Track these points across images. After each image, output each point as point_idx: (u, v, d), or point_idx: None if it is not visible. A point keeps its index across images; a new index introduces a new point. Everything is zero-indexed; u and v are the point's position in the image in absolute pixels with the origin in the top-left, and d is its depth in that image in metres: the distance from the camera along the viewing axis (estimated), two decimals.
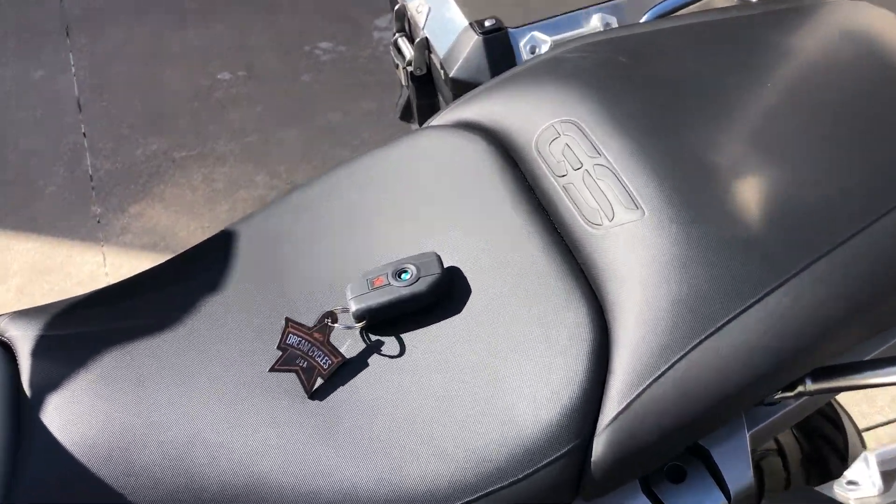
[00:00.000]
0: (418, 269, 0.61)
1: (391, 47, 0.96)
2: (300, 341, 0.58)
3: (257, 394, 0.57)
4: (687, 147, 0.62)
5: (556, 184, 0.64)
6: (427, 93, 0.94)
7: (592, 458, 0.54)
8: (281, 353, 0.58)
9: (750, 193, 0.60)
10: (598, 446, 0.54)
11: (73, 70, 2.06)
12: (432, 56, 0.89)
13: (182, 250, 1.70)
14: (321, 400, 0.58)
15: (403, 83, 0.96)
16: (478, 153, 0.67)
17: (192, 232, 1.73)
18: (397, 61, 0.96)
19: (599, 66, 0.69)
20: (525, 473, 0.54)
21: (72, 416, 0.55)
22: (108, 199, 1.80)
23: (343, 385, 0.59)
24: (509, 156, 0.67)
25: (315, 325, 0.59)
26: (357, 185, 0.69)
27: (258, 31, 2.15)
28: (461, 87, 0.84)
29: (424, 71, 0.92)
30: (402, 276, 0.61)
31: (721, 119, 0.64)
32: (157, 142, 1.89)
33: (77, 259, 1.70)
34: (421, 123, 0.98)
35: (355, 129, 1.91)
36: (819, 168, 0.61)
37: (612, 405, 0.55)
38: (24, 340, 0.59)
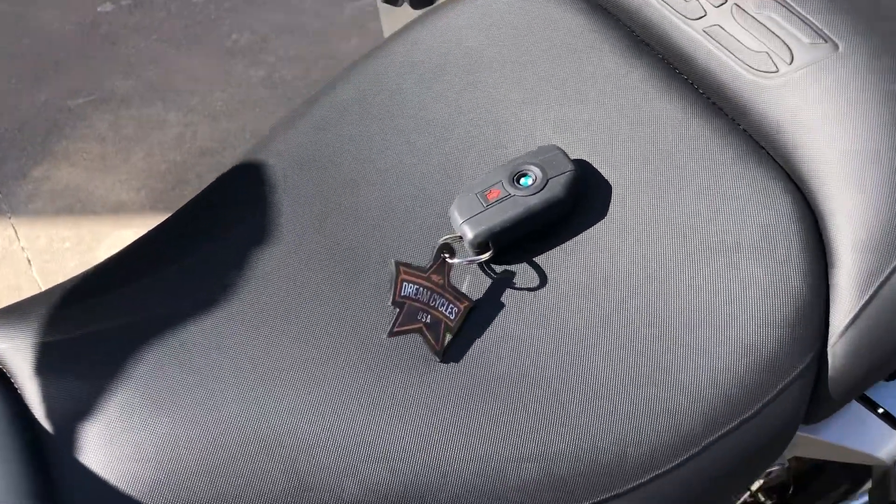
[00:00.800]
0: (543, 170, 0.46)
1: None
2: (418, 290, 0.43)
3: (382, 365, 0.42)
4: None
5: (692, 31, 0.49)
6: None
7: (830, 373, 0.42)
8: (398, 311, 0.42)
9: None
10: (836, 357, 0.42)
11: None
12: None
13: (102, 210, 1.44)
14: (457, 361, 0.43)
15: None
16: (565, 11, 0.51)
17: (111, 187, 1.52)
18: None
19: None
20: (756, 409, 0.41)
21: (100, 439, 0.39)
22: (2, 165, 1.55)
23: (477, 338, 0.44)
24: (608, 11, 0.52)
25: (431, 266, 0.44)
26: (418, 63, 0.52)
27: None
28: None
29: None
30: (523, 180, 0.46)
31: None
32: (47, 91, 1.64)
33: None
34: (413, 3, 0.80)
35: (267, 46, 1.71)
36: None
37: (845, 304, 0.42)
38: (14, 352, 0.41)
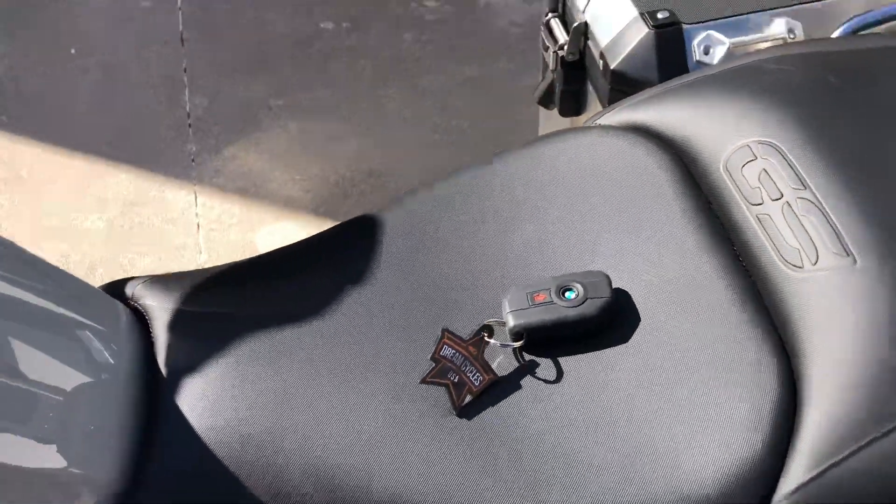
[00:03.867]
0: (585, 290, 0.56)
1: (542, 28, 0.90)
2: (454, 354, 0.54)
3: (404, 402, 0.54)
4: None
5: (747, 212, 0.58)
6: (575, 79, 0.88)
7: None
8: (434, 365, 0.54)
9: None
10: None
11: (179, 3, 2.04)
12: (589, 43, 0.83)
13: (272, 200, 1.66)
14: (468, 419, 0.54)
15: (550, 67, 0.90)
16: (654, 163, 0.61)
17: (284, 182, 1.71)
18: (547, 43, 0.90)
19: (806, 83, 0.62)
20: None
21: (208, 403, 0.52)
22: (204, 138, 1.78)
23: (493, 406, 0.54)
24: (690, 171, 0.61)
25: (471, 339, 0.55)
26: (513, 181, 0.64)
27: None
28: (621, 81, 0.78)
29: (577, 57, 0.86)
30: (567, 294, 0.56)
31: None
32: (257, 86, 1.86)
33: (169, 196, 1.69)
34: (562, 110, 0.92)
35: (455, 94, 1.86)
36: None
37: (797, 471, 0.49)
38: (159, 311, 0.56)
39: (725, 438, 0.50)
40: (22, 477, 0.46)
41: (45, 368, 0.49)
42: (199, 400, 0.52)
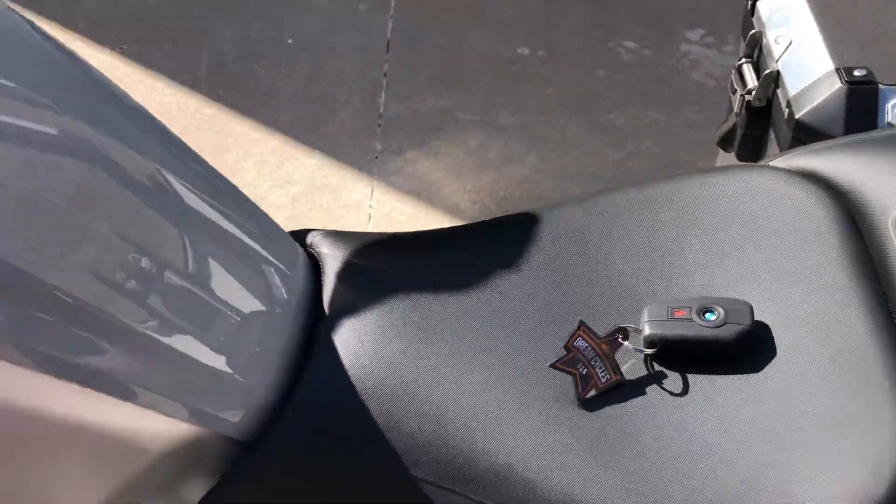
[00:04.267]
0: (726, 314, 0.57)
1: (733, 71, 0.92)
2: (586, 347, 0.57)
3: (532, 383, 0.57)
4: None
5: None
6: (758, 125, 0.88)
7: None
8: (565, 353, 0.57)
9: None
10: None
11: (392, 12, 2.17)
12: (778, 91, 0.84)
13: (440, 205, 1.74)
14: (589, 411, 0.56)
15: (735, 110, 0.91)
16: (821, 209, 0.62)
17: (454, 192, 1.78)
18: (736, 86, 0.91)
19: None
20: None
21: (361, 347, 0.58)
22: (390, 139, 1.88)
23: (614, 404, 0.57)
24: (856, 223, 0.61)
25: (605, 337, 0.58)
26: (675, 205, 0.66)
27: (569, 14, 2.15)
28: (804, 131, 0.78)
29: (763, 103, 0.86)
30: (708, 315, 0.58)
31: None
32: (448, 99, 1.95)
33: (349, 185, 1.80)
34: (739, 154, 0.92)
35: (636, 135, 1.87)
36: None
37: None
38: (332, 259, 0.62)
39: (843, 485, 0.50)
40: (196, 371, 0.53)
41: (229, 290, 0.56)
42: (352, 343, 0.58)
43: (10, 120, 0.45)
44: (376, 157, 1.83)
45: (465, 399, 0.55)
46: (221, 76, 2.01)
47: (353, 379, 0.55)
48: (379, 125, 1.89)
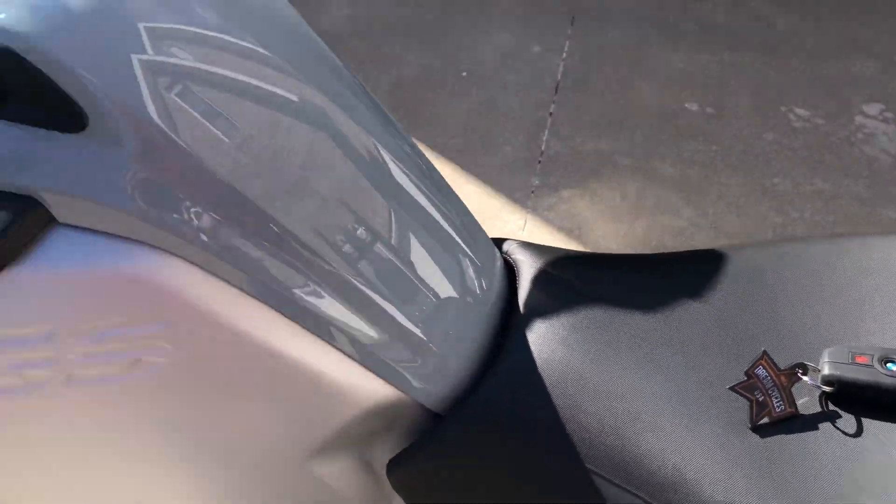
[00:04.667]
0: None
1: None
2: (766, 377, 0.59)
3: (706, 402, 0.59)
4: None
5: None
6: None
7: None
8: (745, 379, 0.59)
9: None
10: None
11: (564, 55, 2.24)
12: None
13: (589, 245, 1.78)
14: (761, 437, 0.58)
15: None
16: None
17: (606, 234, 1.80)
18: None
19: None
20: None
21: (550, 346, 0.62)
22: (548, 176, 1.93)
23: (785, 434, 0.58)
24: None
25: (785, 369, 0.59)
26: (861, 262, 0.67)
27: (743, 74, 2.15)
28: None
29: None
30: (889, 365, 0.59)
31: None
32: (609, 143, 1.99)
33: (504, 216, 1.86)
34: None
35: (799, 202, 1.84)
36: None
37: None
38: (527, 266, 0.67)
39: None
40: (402, 334, 0.58)
41: (430, 273, 0.61)
42: (543, 341, 0.62)
43: (261, 84, 0.51)
44: (533, 192, 1.88)
45: (642, 406, 0.58)
46: (399, 99, 2.13)
47: (541, 372, 0.59)
48: (539, 161, 1.95)
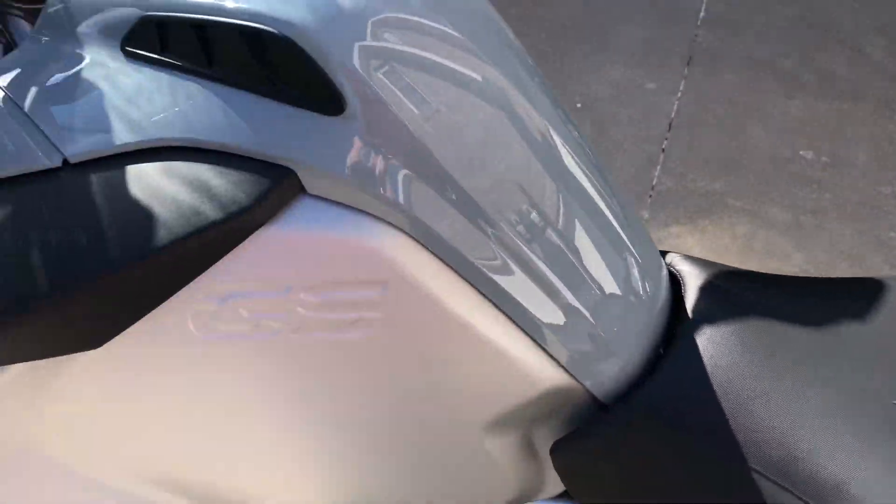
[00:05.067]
0: None
1: None
2: None
3: (870, 416, 0.61)
4: None
5: None
6: None
7: None
8: None
9: None
10: None
11: (679, 95, 2.25)
12: None
13: None
14: None
15: None
16: None
17: None
18: None
19: None
20: None
21: (718, 351, 0.63)
22: (658, 211, 1.94)
23: None
24: None
25: None
26: None
27: (861, 125, 2.13)
28: None
29: None
30: None
31: None
32: (721, 184, 1.99)
33: None
34: None
35: None
36: None
37: None
38: (693, 277, 0.69)
39: None
40: (577, 320, 0.60)
41: (597, 265, 0.62)
42: (711, 346, 0.63)
43: (450, 63, 0.54)
44: None
45: (807, 413, 0.60)
46: None
47: (708, 373, 0.61)
48: (650, 196, 1.96)
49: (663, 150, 2.09)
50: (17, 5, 0.62)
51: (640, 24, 2.51)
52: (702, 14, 2.57)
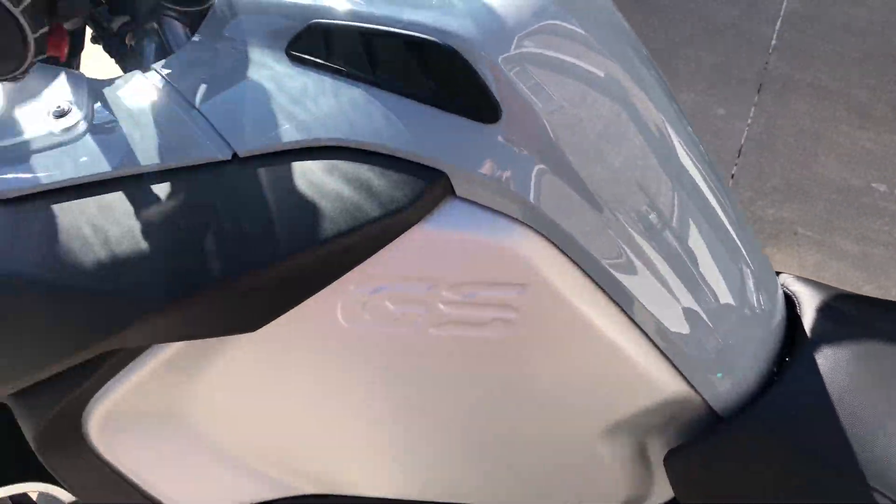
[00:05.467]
0: None
1: None
2: None
3: None
4: None
5: None
6: None
7: None
8: None
9: None
10: None
11: (749, 122, 2.25)
12: None
13: None
14: None
15: None
16: None
17: None
18: None
19: None
20: None
21: (835, 368, 0.64)
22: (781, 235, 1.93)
23: None
24: None
25: None
26: None
27: None
28: None
29: None
30: None
31: None
32: (790, 212, 1.98)
33: None
34: None
35: None
36: None
37: None
38: (809, 297, 0.70)
39: None
40: (700, 328, 0.61)
41: (713, 273, 0.63)
42: (829, 363, 0.64)
43: (573, 59, 0.56)
44: None
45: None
46: None
47: (827, 388, 0.62)
48: None
49: (732, 175, 2.09)
50: (174, 7, 0.65)
51: (711, 51, 2.52)
52: (773, 41, 2.57)
